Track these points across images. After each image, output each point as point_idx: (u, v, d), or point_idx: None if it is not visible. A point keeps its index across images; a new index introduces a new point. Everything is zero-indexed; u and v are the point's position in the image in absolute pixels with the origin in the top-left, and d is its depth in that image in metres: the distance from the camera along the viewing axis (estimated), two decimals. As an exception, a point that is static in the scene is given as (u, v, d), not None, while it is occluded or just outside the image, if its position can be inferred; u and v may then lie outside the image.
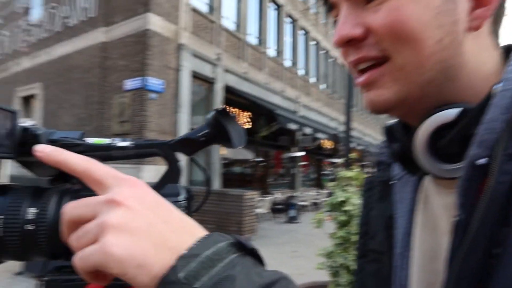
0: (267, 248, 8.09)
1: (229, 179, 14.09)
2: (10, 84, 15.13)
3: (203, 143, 0.54)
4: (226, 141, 0.53)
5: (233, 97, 13.31)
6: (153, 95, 9.91)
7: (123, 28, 10.60)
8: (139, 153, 0.54)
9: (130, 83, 10.05)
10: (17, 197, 0.48)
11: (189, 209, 0.53)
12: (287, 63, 17.93)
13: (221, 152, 12.73)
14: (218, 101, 12.25)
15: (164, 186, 0.52)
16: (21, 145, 0.47)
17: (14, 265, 5.02)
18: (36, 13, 14.46)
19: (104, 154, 0.52)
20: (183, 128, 10.51)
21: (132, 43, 10.30)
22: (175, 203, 0.49)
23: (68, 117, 11.65)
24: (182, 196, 0.51)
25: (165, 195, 0.51)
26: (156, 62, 10.11)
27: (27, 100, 14.44)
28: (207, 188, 0.64)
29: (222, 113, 0.53)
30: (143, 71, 9.86)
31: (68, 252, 0.49)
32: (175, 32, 10.80)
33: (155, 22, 10.10)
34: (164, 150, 0.54)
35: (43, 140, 0.50)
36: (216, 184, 12.08)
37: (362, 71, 0.50)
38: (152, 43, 10.01)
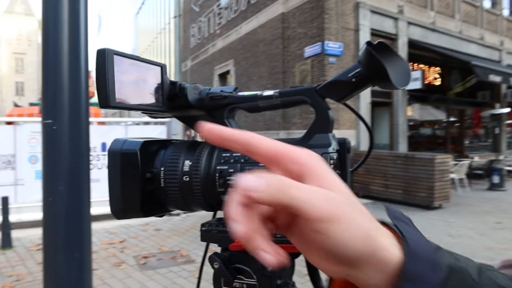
0: (463, 217, 7.28)
1: (417, 142, 13.13)
2: (209, 63, 17.40)
3: (356, 84, 0.44)
4: (384, 81, 0.42)
5: (419, 51, 12.12)
6: (332, 59, 9.86)
7: (300, -4, 10.76)
8: (285, 102, 0.48)
9: (309, 50, 10.23)
10: (176, 150, 0.49)
11: (344, 163, 0.46)
12: (486, 3, 15.16)
13: (407, 113, 11.89)
14: (402, 58, 11.34)
15: (312, 137, 0.46)
16: (171, 99, 0.47)
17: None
18: (225, -3, 16.04)
19: (251, 105, 0.50)
20: (366, 92, 10.14)
21: (309, 9, 10.37)
22: (324, 154, 0.43)
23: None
24: (332, 148, 0.44)
25: (313, 146, 0.45)
26: (333, 25, 9.96)
27: (223, 76, 16.36)
28: (369, 146, 0.55)
29: (377, 46, 0.42)
30: (321, 36, 9.88)
31: (221, 206, 0.49)
32: (351, -10, 10.38)
33: (330, -16, 9.90)
34: (311, 96, 0.47)
35: (190, 92, 0.50)
36: (403, 147, 11.40)
37: None
38: (328, 6, 9.87)
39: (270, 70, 12.12)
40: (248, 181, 0.28)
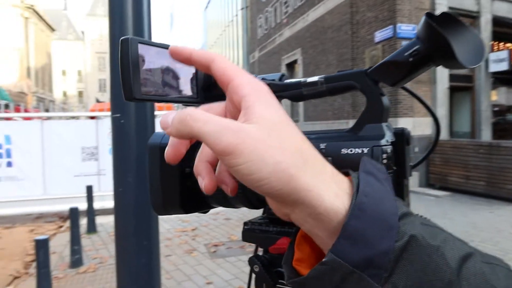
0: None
1: (503, 129, 12.03)
2: (277, 53, 17.37)
3: (414, 65, 0.37)
4: (449, 59, 0.34)
5: (506, 29, 11.01)
6: (405, 43, 9.30)
7: (370, -22, 10.27)
8: (332, 88, 0.43)
9: (380, 34, 9.75)
10: None
11: (403, 157, 0.39)
12: None
13: (492, 98, 10.91)
14: (485, 38, 10.38)
15: (362, 127, 0.40)
16: (206, 89, 0.44)
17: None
18: (291, -15, 15.84)
19: (295, 93, 0.45)
20: (443, 76, 9.47)
21: (380, -9, 9.87)
22: (376, 147, 0.37)
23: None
24: (385, 140, 0.38)
25: (363, 138, 0.39)
26: (406, 6, 9.38)
27: (291, 66, 16.24)
28: (435, 135, 0.48)
29: (439, 18, 0.34)
30: (393, 18, 9.36)
31: (265, 203, 0.45)
32: (426, -33, 9.67)
33: (403, -38, 9.31)
34: (361, 81, 0.41)
35: None
36: (486, 135, 10.50)
37: None
38: (401, -14, 9.32)
39: (338, 58, 11.78)
40: (161, 120, 0.31)
